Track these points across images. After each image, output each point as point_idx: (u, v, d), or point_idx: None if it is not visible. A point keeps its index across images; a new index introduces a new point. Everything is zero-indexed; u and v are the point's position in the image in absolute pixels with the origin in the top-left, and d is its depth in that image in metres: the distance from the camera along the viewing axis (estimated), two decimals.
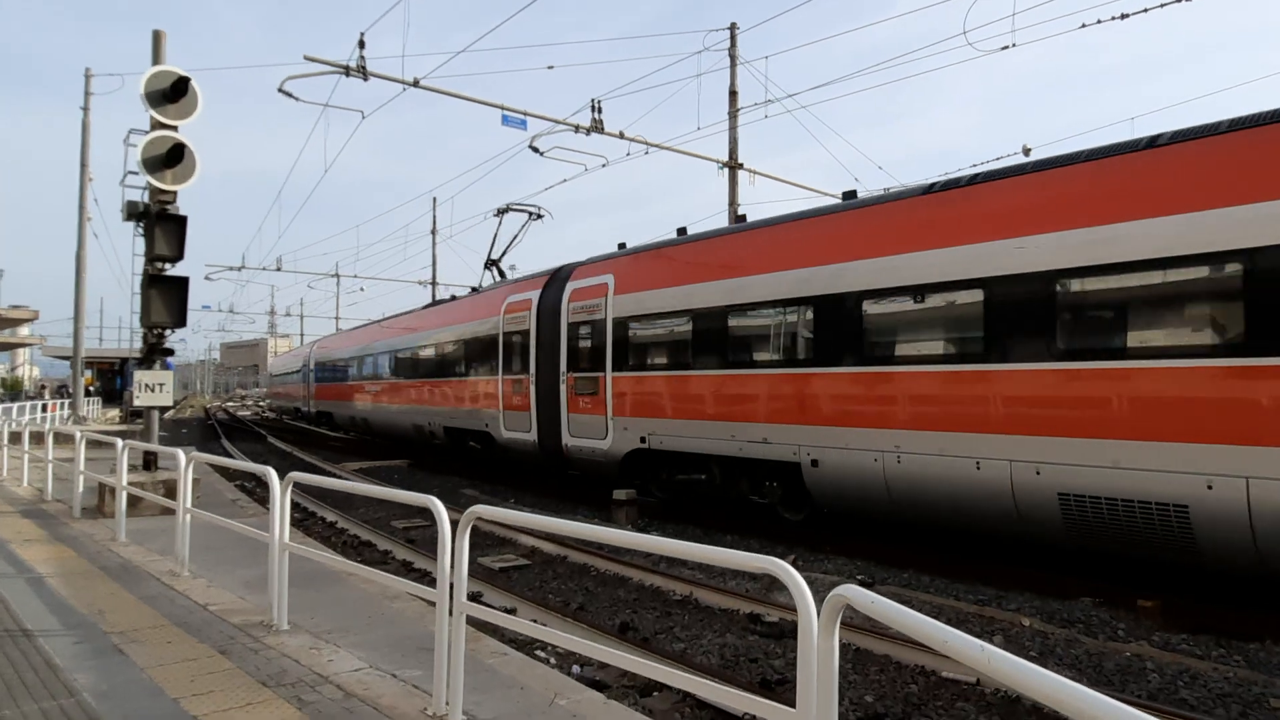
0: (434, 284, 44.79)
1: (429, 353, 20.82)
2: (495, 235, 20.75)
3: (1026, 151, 15.51)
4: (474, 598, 8.25)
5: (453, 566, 4.13)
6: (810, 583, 3.26)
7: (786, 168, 79.89)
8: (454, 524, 4.12)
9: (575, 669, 6.00)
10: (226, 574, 7.35)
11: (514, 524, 3.53)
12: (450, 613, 4.09)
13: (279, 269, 44.56)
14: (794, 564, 9.43)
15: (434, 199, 45.98)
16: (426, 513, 14.01)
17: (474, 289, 20.50)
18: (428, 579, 9.22)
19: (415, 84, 14.87)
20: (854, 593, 2.39)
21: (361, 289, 60.35)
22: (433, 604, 4.25)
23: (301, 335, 72.34)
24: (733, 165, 19.89)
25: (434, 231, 44.30)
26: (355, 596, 6.65)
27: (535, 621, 7.08)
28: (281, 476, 5.83)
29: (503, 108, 16.03)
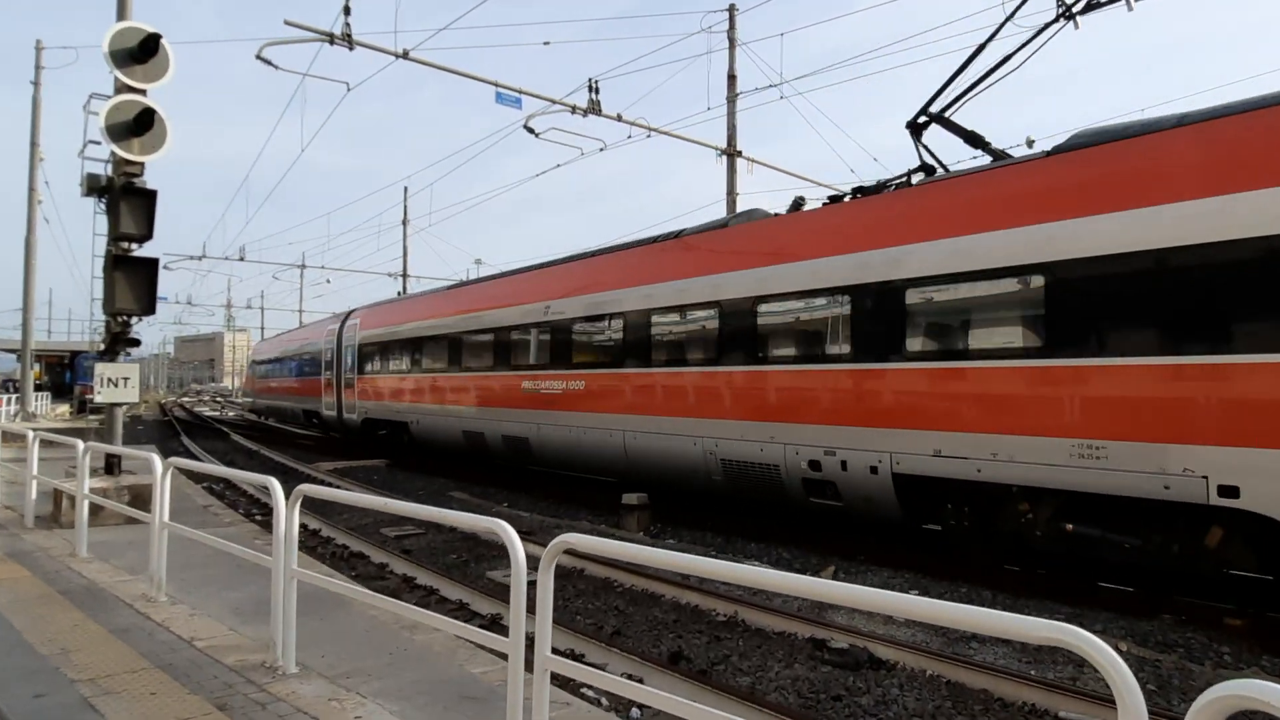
0: (404, 276, 43.67)
1: (808, 311, 9.88)
2: (979, 53, 9.36)
3: None
4: (495, 621, 7.35)
5: (533, 611, 3.25)
6: None
7: (769, 155, 79.52)
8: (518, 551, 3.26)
9: (634, 712, 5.14)
10: (210, 598, 6.36)
11: (626, 559, 2.71)
12: (528, 668, 3.23)
13: (242, 259, 43.04)
14: (834, 576, 8.64)
15: (405, 188, 44.42)
16: (419, 520, 12.74)
17: (922, 168, 9.95)
18: (432, 595, 8.29)
19: (405, 55, 13.80)
20: (1265, 692, 1.57)
21: (328, 281, 58.48)
22: (499, 653, 3.39)
23: (262, 329, 69.87)
24: (731, 153, 19.10)
25: (405, 222, 43.20)
26: (365, 625, 5.73)
27: (573, 653, 6.24)
28: (282, 487, 4.90)
29: (497, 85, 15.03)
